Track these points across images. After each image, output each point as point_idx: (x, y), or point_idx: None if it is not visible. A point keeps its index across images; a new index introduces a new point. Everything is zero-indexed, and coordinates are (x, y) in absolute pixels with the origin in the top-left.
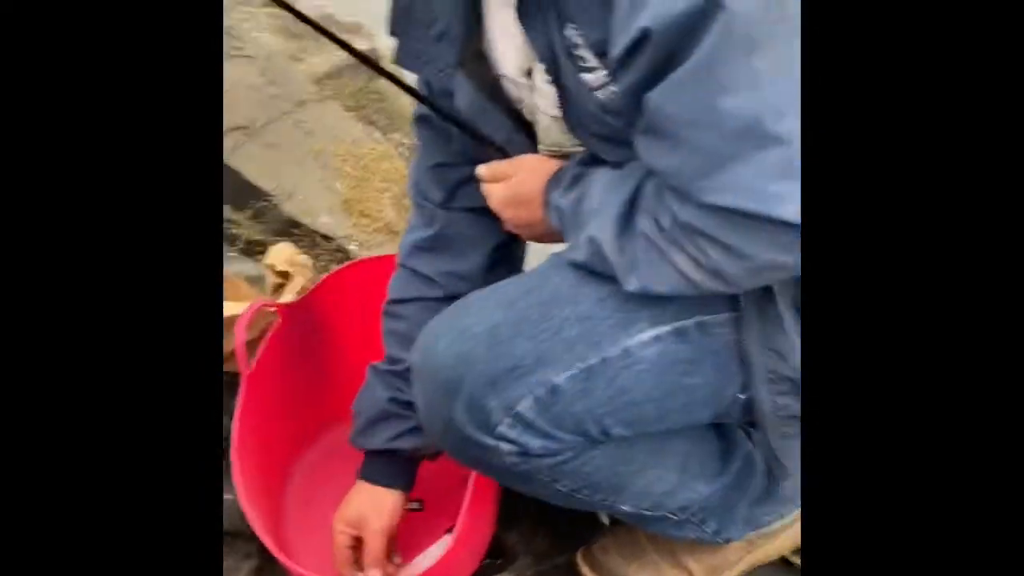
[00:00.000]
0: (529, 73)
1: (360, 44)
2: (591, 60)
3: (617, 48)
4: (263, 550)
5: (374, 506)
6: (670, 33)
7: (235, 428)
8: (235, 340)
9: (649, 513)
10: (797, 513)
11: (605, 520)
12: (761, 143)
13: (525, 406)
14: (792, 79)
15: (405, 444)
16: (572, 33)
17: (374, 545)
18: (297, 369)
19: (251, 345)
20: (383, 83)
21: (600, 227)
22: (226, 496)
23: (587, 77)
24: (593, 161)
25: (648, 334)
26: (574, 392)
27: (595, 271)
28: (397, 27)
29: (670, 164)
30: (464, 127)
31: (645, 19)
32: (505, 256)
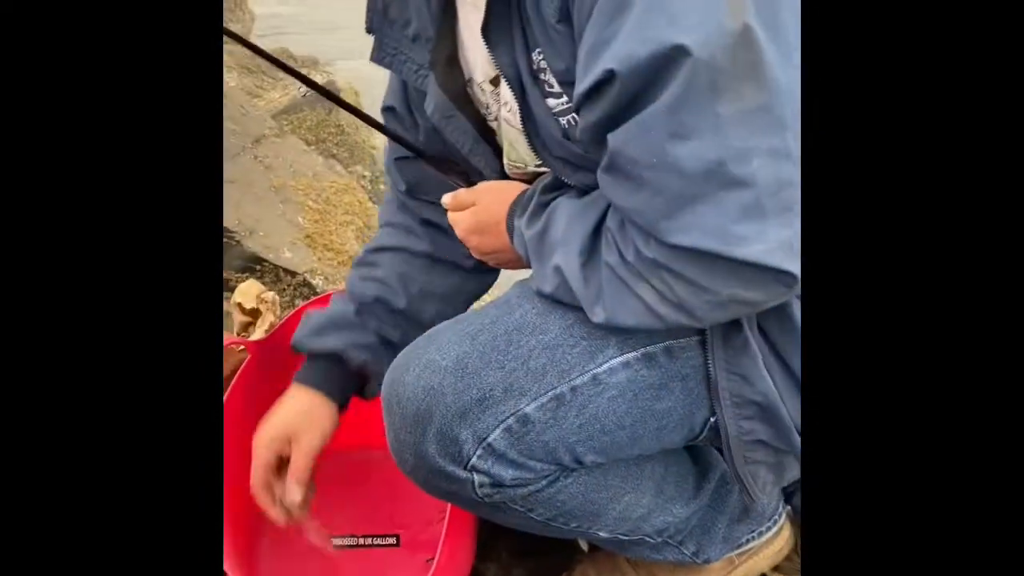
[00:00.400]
0: (496, 82)
1: (316, 79)
2: (556, 86)
3: (581, 85)
4: None
5: (309, 419)
6: (635, 76)
7: None
8: None
9: (626, 538)
10: (776, 530)
11: (584, 546)
12: (724, 185)
13: (496, 436)
14: (761, 125)
15: (358, 355)
16: (538, 58)
17: (301, 463)
18: (268, 406)
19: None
20: (342, 116)
21: (565, 257)
22: None
23: (551, 102)
24: (557, 187)
25: (616, 360)
26: (545, 421)
27: (562, 301)
28: (374, 24)
29: (633, 204)
30: (422, 154)
31: (610, 60)
32: None
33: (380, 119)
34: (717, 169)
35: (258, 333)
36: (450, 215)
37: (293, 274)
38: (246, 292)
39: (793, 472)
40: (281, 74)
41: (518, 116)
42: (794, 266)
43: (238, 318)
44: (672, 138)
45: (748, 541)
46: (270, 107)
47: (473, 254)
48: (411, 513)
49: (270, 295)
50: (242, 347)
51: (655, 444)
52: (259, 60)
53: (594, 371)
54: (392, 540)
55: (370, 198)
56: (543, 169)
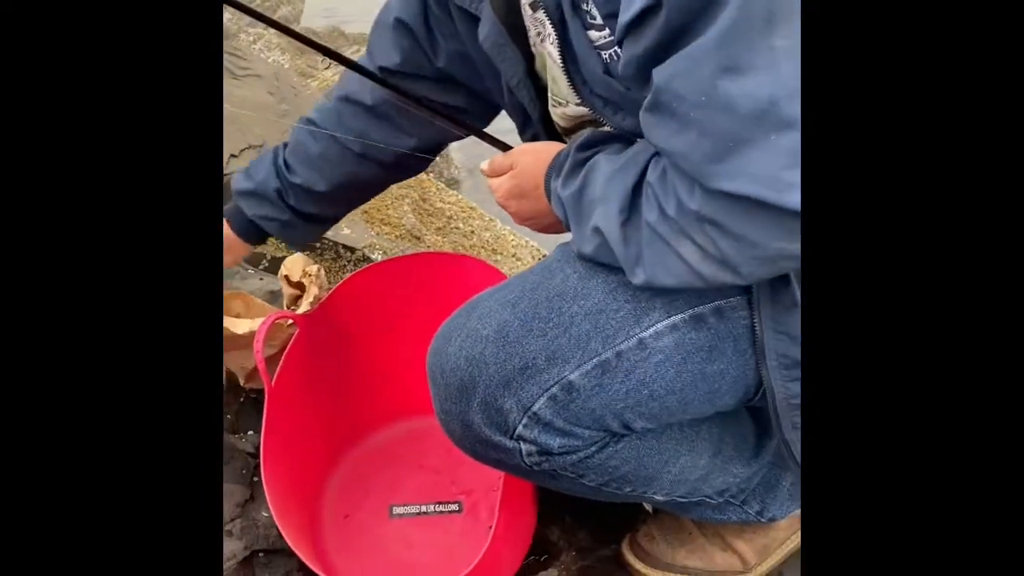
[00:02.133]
0: (536, 6)
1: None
2: (598, 18)
3: (625, 15)
4: (303, 567)
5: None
6: (683, 4)
7: (264, 444)
8: (255, 355)
9: (685, 500)
10: None
11: (648, 507)
12: (777, 127)
13: (541, 405)
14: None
15: (268, 225)
16: None
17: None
18: (321, 378)
19: (273, 360)
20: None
21: (604, 217)
22: (262, 514)
23: (592, 35)
24: (593, 144)
25: (663, 323)
26: (590, 388)
27: (603, 263)
28: None
29: (677, 145)
30: (466, 125)
31: None
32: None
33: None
34: (769, 109)
35: (304, 306)
36: (489, 181)
37: (352, 250)
38: (291, 266)
39: None
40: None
41: (557, 49)
42: None
43: (286, 291)
44: (723, 73)
45: None
46: (323, 86)
47: (513, 220)
48: (473, 479)
49: (314, 268)
50: (291, 322)
51: (707, 408)
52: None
53: (640, 335)
54: (455, 507)
55: (424, 171)
56: (585, 110)
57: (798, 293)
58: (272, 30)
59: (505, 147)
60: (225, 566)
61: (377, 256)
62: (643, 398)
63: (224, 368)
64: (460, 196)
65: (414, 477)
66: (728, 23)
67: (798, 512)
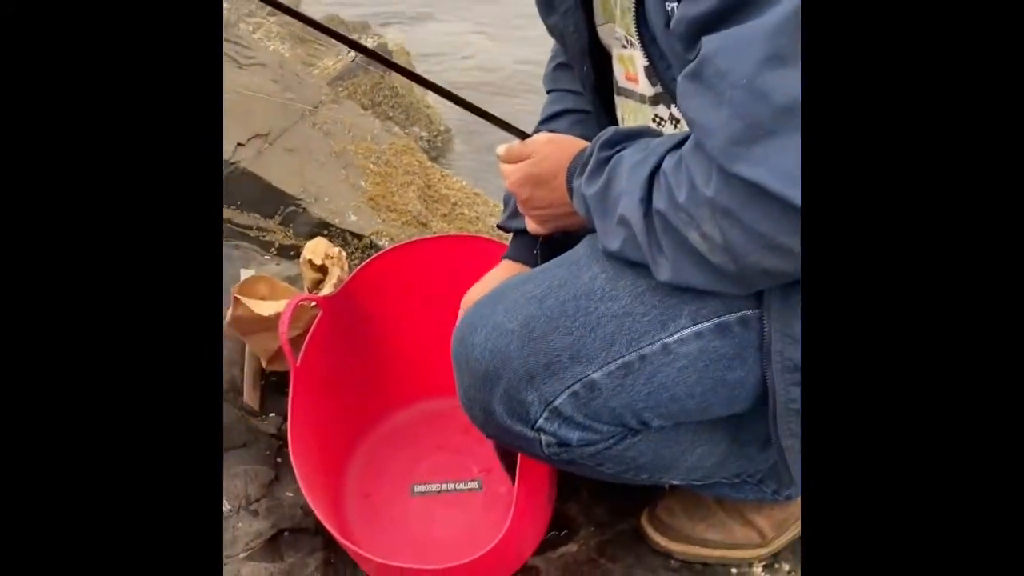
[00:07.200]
0: None
1: (368, 42)
2: None
3: None
4: (328, 544)
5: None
6: None
7: (290, 424)
8: (280, 337)
9: (700, 483)
10: None
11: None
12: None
13: (562, 401)
14: None
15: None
16: None
17: None
18: (343, 360)
19: (297, 341)
20: (396, 79)
21: (628, 207)
22: (286, 493)
23: None
24: (615, 143)
25: (689, 330)
26: (612, 388)
27: (630, 259)
28: None
29: (708, 120)
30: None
31: None
32: None
33: (430, 77)
34: (799, 107)
35: (327, 288)
36: (502, 166)
37: (360, 237)
38: (315, 249)
39: None
40: (333, 41)
41: None
42: None
43: (308, 275)
44: (769, 61)
45: None
46: (325, 74)
47: (521, 208)
48: (492, 458)
49: (336, 251)
50: (314, 303)
51: (724, 411)
52: (311, 29)
53: (664, 340)
54: (475, 485)
55: (429, 157)
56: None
57: None
58: (271, 19)
59: (521, 134)
60: (252, 544)
61: (384, 242)
62: (663, 400)
63: (248, 350)
64: (464, 182)
65: (433, 456)
66: (786, 12)
67: None
